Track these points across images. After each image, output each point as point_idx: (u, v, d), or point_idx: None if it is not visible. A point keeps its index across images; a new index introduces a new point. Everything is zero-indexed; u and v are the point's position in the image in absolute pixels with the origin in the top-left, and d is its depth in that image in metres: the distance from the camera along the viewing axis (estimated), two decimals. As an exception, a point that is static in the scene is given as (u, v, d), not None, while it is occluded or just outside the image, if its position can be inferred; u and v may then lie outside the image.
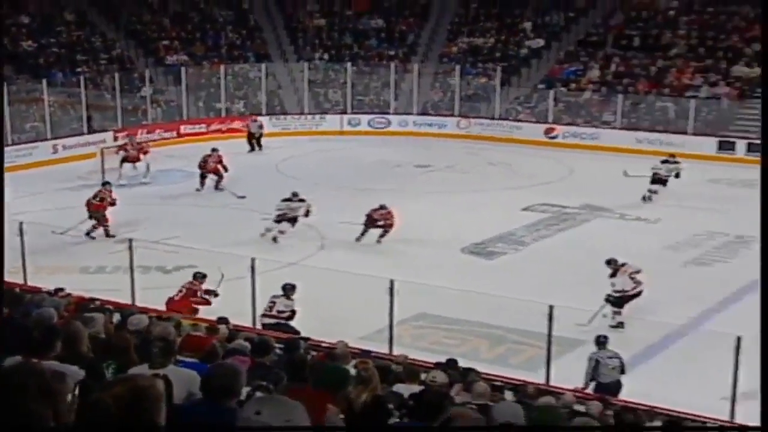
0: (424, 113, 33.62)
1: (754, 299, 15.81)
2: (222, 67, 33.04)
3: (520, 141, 30.56)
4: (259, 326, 12.81)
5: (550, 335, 11.17)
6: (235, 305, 13.31)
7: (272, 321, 13.26)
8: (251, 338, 9.41)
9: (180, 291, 14.23)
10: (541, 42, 35.24)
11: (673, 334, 13.68)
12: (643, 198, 22.55)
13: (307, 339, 10.74)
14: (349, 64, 34.16)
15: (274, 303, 13.45)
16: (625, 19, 35.09)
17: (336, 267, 14.85)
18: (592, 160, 27.69)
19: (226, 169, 23.99)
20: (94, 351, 6.43)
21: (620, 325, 13.96)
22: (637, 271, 14.63)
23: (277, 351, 9.07)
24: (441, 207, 21.90)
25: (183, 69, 32.18)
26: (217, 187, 23.65)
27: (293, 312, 13.37)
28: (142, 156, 25.11)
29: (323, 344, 10.72)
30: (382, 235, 19.08)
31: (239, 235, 19.41)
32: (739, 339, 9.91)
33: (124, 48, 34.23)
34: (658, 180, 22.86)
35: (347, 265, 15.44)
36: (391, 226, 19.03)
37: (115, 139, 28.29)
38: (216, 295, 14.16)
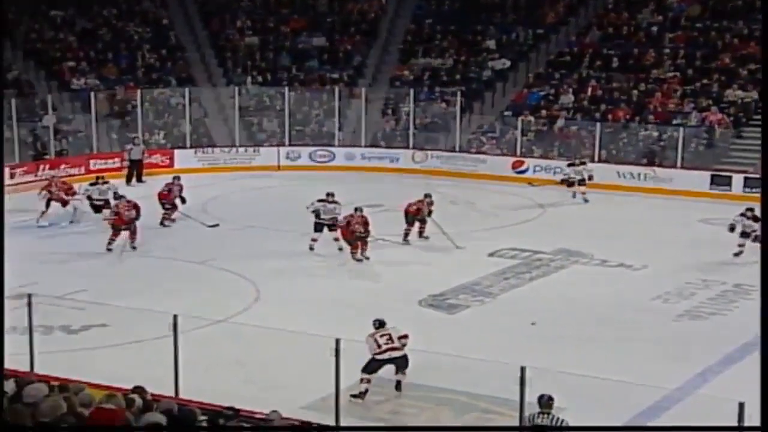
0: (373, 145, 33.65)
1: (757, 357, 15.85)
2: (138, 93, 32.81)
3: (484, 176, 30.65)
4: (183, 394, 12.55)
5: (522, 402, 11.03)
6: (152, 369, 13.07)
7: (399, 354, 13.81)
8: (170, 409, 9.19)
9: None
10: (506, 63, 35.52)
11: (665, 400, 13.65)
12: (585, 200, 27.56)
13: (237, 410, 10.51)
14: (286, 89, 34.13)
15: (389, 335, 13.88)
16: (601, 35, 35.52)
17: (273, 324, 14.68)
18: (568, 197, 27.80)
19: (183, 201, 24.84)
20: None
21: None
22: None
23: (204, 424, 8.89)
24: (394, 253, 21.83)
25: (92, 94, 31.92)
26: (168, 219, 24.40)
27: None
28: (69, 198, 24.80)
29: (257, 415, 10.54)
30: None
31: (159, 287, 19.16)
32: (742, 406, 9.84)
33: (21, 70, 33.93)
34: (571, 183, 27.96)
35: (285, 321, 15.29)
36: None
37: (12, 176, 27.93)
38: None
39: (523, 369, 10.84)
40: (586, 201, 27.41)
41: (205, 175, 30.64)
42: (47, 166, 29.30)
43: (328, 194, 22.22)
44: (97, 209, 24.27)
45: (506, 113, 33.55)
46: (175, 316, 12.60)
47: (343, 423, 11.74)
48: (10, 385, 9.71)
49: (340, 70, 36.51)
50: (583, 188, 27.70)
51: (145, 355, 14.63)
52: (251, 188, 29.51)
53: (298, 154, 32.87)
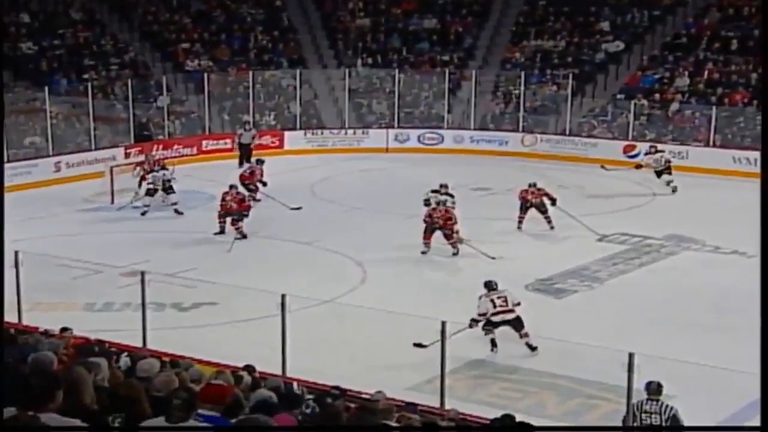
0: (482, 128, 33.59)
1: None
2: (250, 74, 33.27)
3: (594, 160, 30.36)
4: (289, 373, 12.78)
5: (630, 388, 11.00)
6: (260, 348, 13.34)
7: (512, 316, 14.90)
8: (278, 387, 9.40)
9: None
10: (620, 45, 35.09)
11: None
12: (673, 190, 26.42)
13: (343, 390, 10.69)
14: (396, 71, 34.29)
15: (505, 297, 15.05)
16: (720, 17, 34.87)
17: (379, 305, 14.82)
18: (680, 182, 27.42)
19: (264, 184, 25.12)
20: (99, 401, 6.47)
21: None
22: None
23: (310, 403, 9.07)
24: (502, 236, 21.81)
25: (205, 76, 32.50)
26: (254, 200, 24.27)
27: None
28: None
29: (362, 395, 10.70)
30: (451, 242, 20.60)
31: (266, 267, 19.49)
32: None
33: (138, 51, 34.67)
34: (660, 173, 26.87)
35: (392, 303, 15.42)
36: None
37: (127, 155, 28.57)
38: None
39: (631, 355, 10.80)
40: (674, 191, 26.54)
41: (314, 157, 31.02)
42: (161, 147, 29.87)
43: (441, 185, 22.26)
44: (148, 192, 24.33)
45: (619, 96, 33.19)
46: (283, 296, 12.83)
47: (447, 405, 11.84)
48: (124, 360, 10.07)
49: (450, 52, 36.47)
50: (669, 177, 26.81)
51: (254, 334, 14.90)
52: (359, 170, 29.76)
53: (406, 137, 33.02)
